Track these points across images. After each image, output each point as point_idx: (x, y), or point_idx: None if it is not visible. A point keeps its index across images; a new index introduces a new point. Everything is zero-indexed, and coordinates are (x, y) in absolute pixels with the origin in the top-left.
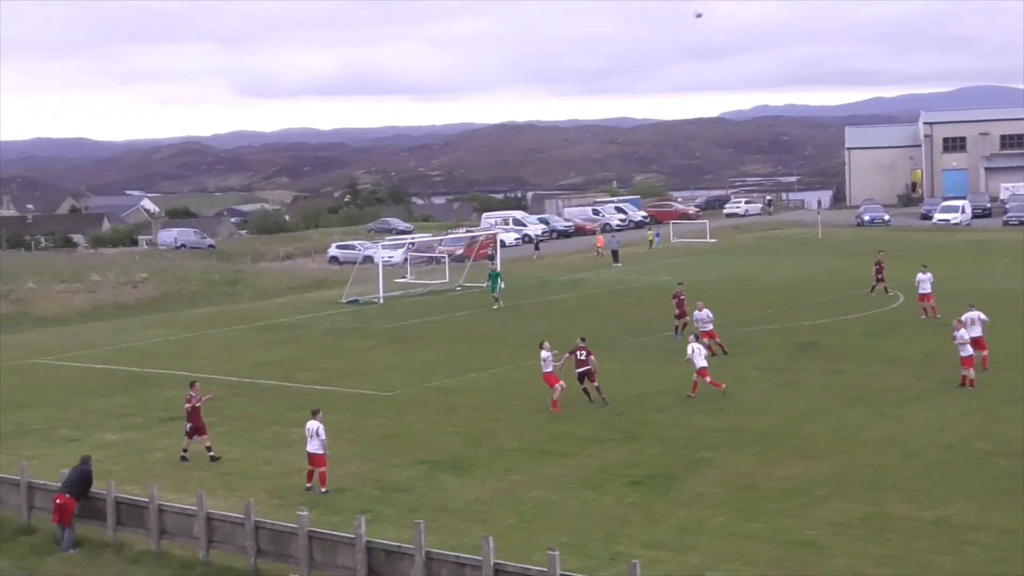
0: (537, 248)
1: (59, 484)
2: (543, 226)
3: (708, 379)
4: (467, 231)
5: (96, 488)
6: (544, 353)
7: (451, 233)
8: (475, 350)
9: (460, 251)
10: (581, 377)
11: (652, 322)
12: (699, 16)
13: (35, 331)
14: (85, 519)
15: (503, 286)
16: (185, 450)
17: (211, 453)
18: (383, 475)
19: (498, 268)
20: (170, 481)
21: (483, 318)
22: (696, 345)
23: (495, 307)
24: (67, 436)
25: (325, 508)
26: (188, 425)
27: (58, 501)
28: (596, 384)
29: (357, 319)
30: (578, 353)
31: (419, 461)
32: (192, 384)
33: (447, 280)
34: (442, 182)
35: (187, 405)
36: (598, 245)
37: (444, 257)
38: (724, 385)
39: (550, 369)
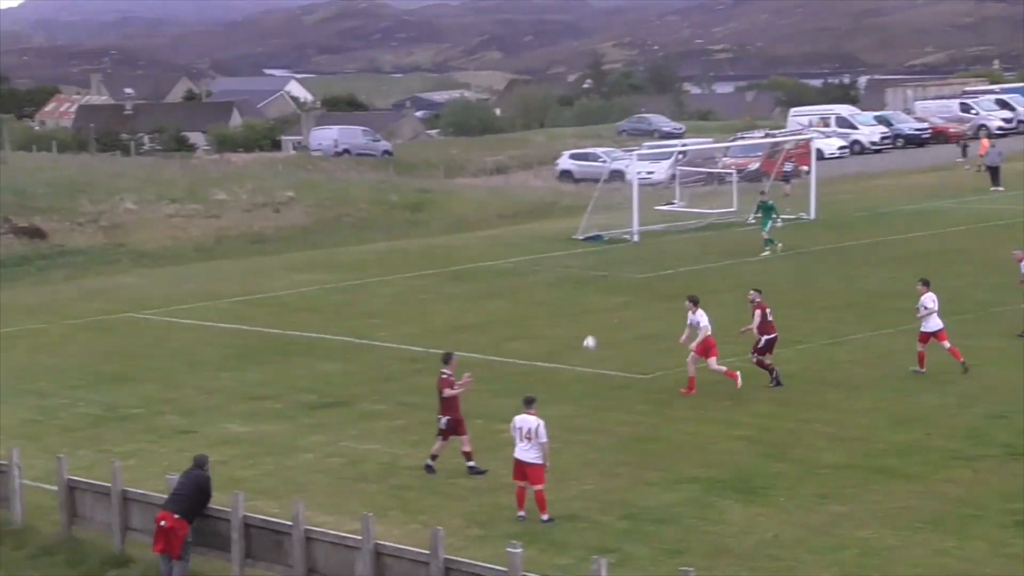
0: (966, 154)
1: (164, 497)
2: (882, 128)
3: (947, 344)
4: (766, 135)
5: (216, 503)
6: (696, 317)
7: (741, 138)
8: (775, 315)
9: (755, 165)
10: (768, 347)
11: None
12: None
13: (134, 271)
14: (201, 547)
15: (778, 223)
16: (434, 456)
17: (470, 463)
18: (633, 498)
19: (770, 198)
20: (323, 496)
21: (788, 266)
22: (930, 295)
23: (764, 253)
24: (176, 425)
25: (547, 544)
26: (443, 420)
27: (163, 523)
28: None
29: (599, 264)
30: (766, 312)
31: (688, 478)
32: (447, 358)
33: (735, 208)
34: (729, 61)
35: (445, 391)
36: (980, 152)
37: (730, 173)
38: (964, 359)
39: (709, 333)
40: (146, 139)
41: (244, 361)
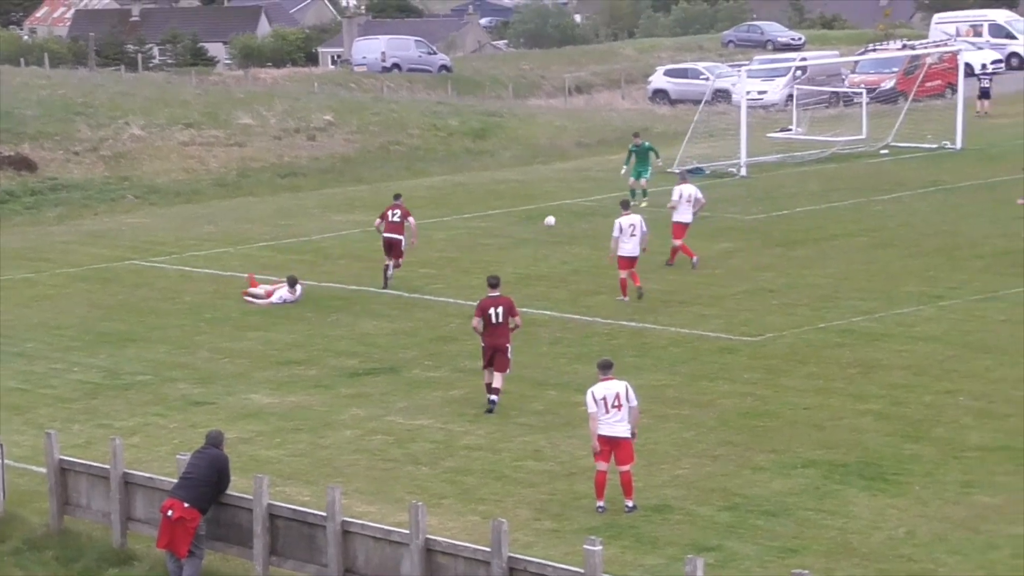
0: None
1: (173, 481)
2: None
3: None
4: (903, 46)
5: (235, 489)
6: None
7: (873, 50)
8: (913, 264)
9: (889, 83)
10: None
11: None
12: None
13: (141, 210)
14: (217, 542)
15: (652, 168)
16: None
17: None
18: (738, 485)
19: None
20: (364, 482)
21: (928, 205)
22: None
23: (640, 203)
24: (189, 396)
25: (633, 540)
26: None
27: (170, 512)
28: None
29: None
30: (390, 213)
31: (804, 462)
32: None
33: (863, 135)
34: None
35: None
36: None
37: (859, 93)
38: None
39: None
40: (156, 51)
41: (272, 319)
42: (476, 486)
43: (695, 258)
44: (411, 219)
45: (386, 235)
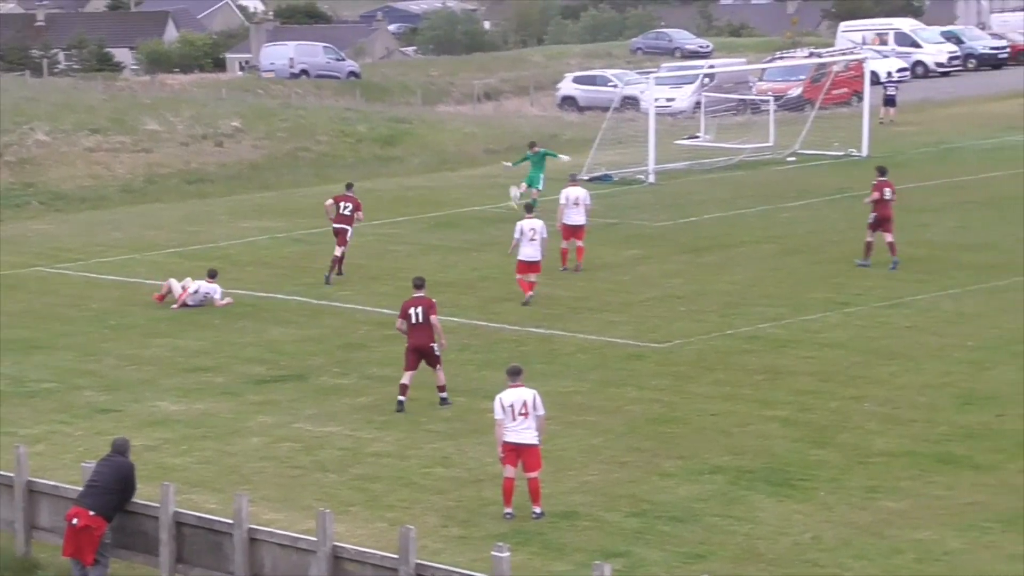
0: None
1: (78, 489)
2: (950, 46)
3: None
4: (810, 54)
5: (141, 497)
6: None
7: (781, 58)
8: (820, 271)
9: (796, 91)
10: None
11: None
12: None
13: (46, 217)
14: (123, 550)
15: (540, 186)
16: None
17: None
18: (645, 491)
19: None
20: (271, 489)
21: (835, 212)
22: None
23: (512, 204)
24: (95, 403)
25: (540, 546)
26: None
27: (75, 521)
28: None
29: (607, 209)
30: (341, 205)
31: (711, 468)
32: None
33: (771, 143)
34: None
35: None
36: None
37: (767, 101)
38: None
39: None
40: (62, 56)
41: (179, 325)
42: (384, 493)
43: (564, 267)
44: (359, 214)
45: (335, 225)
